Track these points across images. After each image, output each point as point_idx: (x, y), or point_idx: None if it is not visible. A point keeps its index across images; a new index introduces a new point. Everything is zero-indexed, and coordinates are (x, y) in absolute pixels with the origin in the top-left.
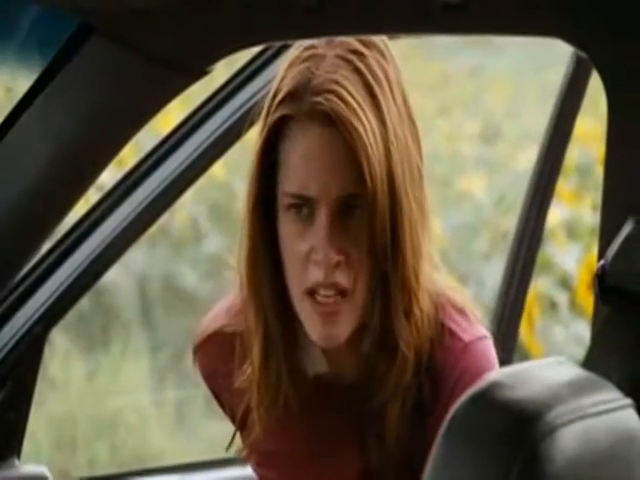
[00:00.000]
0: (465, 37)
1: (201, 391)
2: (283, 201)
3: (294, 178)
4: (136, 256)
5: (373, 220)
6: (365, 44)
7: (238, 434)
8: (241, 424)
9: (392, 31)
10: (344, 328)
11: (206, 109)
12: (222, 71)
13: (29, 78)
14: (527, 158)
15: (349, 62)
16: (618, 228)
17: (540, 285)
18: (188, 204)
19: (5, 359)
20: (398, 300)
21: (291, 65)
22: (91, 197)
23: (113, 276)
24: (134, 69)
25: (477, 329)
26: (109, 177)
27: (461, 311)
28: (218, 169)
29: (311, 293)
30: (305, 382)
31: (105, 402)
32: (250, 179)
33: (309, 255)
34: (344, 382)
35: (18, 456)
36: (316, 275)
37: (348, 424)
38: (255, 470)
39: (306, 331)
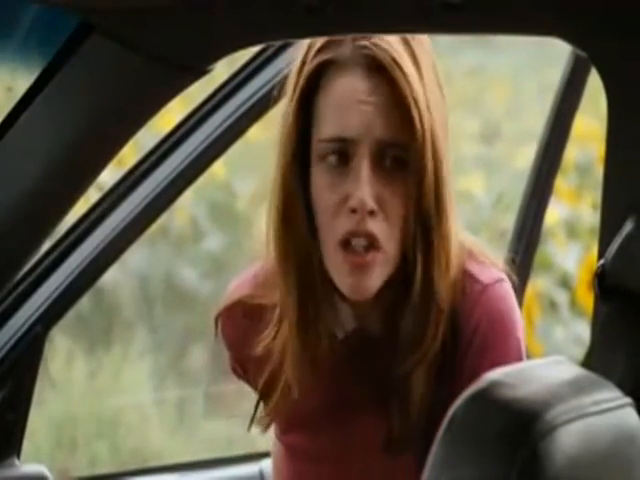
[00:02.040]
0: (464, 37)
1: (201, 390)
2: (318, 150)
3: (333, 121)
4: (136, 255)
5: (422, 173)
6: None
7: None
8: (264, 392)
9: (392, 30)
10: (375, 280)
11: (206, 108)
12: (222, 70)
13: (29, 77)
14: (526, 157)
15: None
16: (618, 227)
17: (540, 285)
18: (188, 203)
19: (5, 359)
20: (442, 256)
21: None
22: (91, 197)
23: (113, 275)
24: (134, 68)
25: (495, 272)
26: (109, 177)
27: (480, 257)
28: (218, 168)
29: (344, 244)
30: (334, 344)
31: (105, 401)
32: (285, 133)
33: (343, 203)
34: (372, 342)
35: (18, 456)
36: (350, 222)
37: (373, 389)
38: (279, 438)
39: (334, 289)
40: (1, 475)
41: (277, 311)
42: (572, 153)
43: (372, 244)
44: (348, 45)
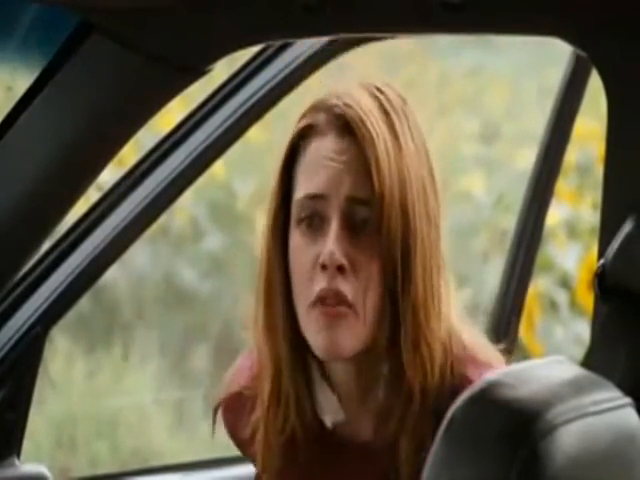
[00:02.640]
0: (464, 37)
1: (201, 391)
2: (295, 213)
3: (309, 180)
4: (136, 255)
5: (380, 231)
6: (387, 85)
7: None
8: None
9: (392, 31)
10: (346, 339)
11: (206, 108)
12: (222, 70)
13: (29, 77)
14: (526, 158)
15: (368, 89)
16: (618, 227)
17: (540, 285)
18: (188, 203)
19: (5, 359)
20: (408, 327)
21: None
22: (91, 197)
23: (113, 275)
24: (134, 68)
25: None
26: (109, 177)
27: (487, 366)
28: (218, 168)
29: (316, 302)
30: (322, 433)
31: (105, 402)
32: (270, 197)
33: (316, 262)
34: (360, 439)
35: (18, 455)
36: (321, 281)
37: (363, 466)
38: None
39: (322, 376)
40: (1, 475)
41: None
42: (572, 153)
43: (342, 301)
44: (323, 110)
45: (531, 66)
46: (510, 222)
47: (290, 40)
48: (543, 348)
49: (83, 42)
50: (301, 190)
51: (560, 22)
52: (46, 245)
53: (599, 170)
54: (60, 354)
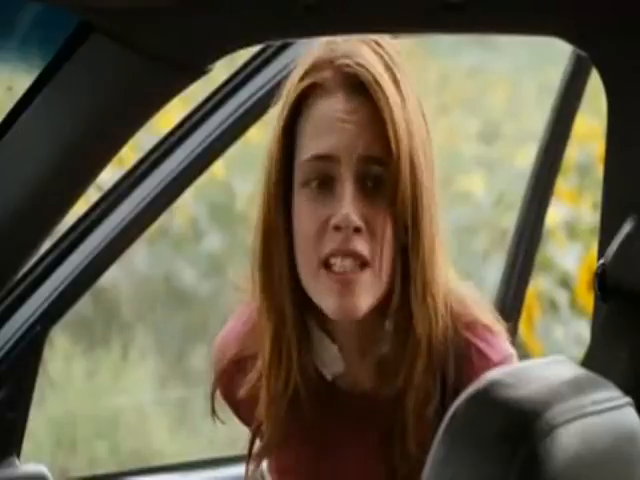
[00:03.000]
0: (465, 36)
1: (202, 390)
2: (300, 174)
3: (315, 141)
4: (136, 255)
5: (396, 189)
6: (382, 38)
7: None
8: (256, 434)
9: (392, 30)
10: (362, 300)
11: (206, 108)
12: (222, 70)
13: (29, 77)
14: (526, 157)
15: (369, 44)
16: (618, 227)
17: (540, 284)
18: (188, 203)
19: (5, 358)
20: (418, 280)
21: (311, 53)
22: (91, 197)
23: (113, 275)
24: (134, 68)
25: (504, 347)
26: (109, 177)
27: (488, 329)
28: (218, 168)
29: (327, 264)
30: (322, 387)
31: (105, 401)
32: (271, 160)
33: (325, 225)
34: (361, 387)
35: (18, 455)
36: (334, 241)
37: (368, 431)
38: (274, 476)
39: (321, 329)
40: (1, 475)
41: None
42: (572, 153)
43: (359, 264)
44: (330, 68)
45: (531, 66)
46: (510, 222)
47: (290, 40)
48: (543, 348)
49: (83, 42)
50: (308, 151)
51: (560, 22)
52: (46, 245)
53: (599, 170)
54: (59, 354)
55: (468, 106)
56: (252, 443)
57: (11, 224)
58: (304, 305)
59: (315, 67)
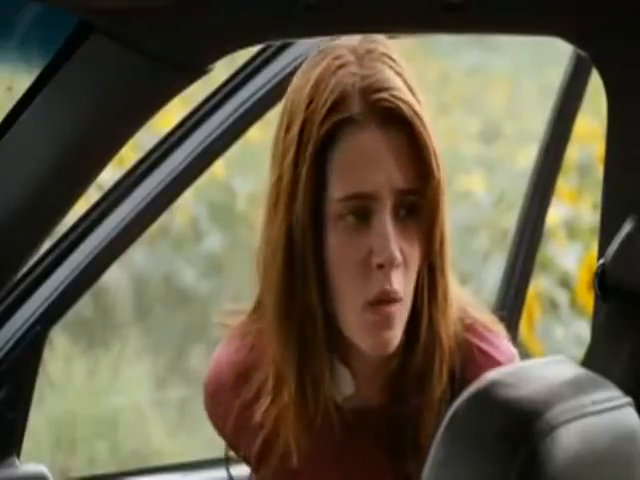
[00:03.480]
0: (464, 36)
1: (201, 390)
2: (335, 210)
3: (351, 177)
4: (136, 255)
5: (434, 219)
6: (387, 46)
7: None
8: (258, 461)
9: (392, 30)
10: (397, 332)
11: (206, 108)
12: (222, 70)
13: (29, 77)
14: (527, 157)
15: (385, 64)
16: (618, 227)
17: (540, 284)
18: (188, 203)
19: (5, 358)
20: (442, 304)
21: (324, 76)
22: (91, 196)
23: (113, 275)
24: (134, 68)
25: (507, 347)
26: (109, 177)
27: (488, 329)
28: (218, 168)
29: (374, 303)
30: (332, 407)
31: (105, 401)
32: (301, 197)
33: (367, 260)
34: (372, 407)
35: (18, 455)
36: (379, 282)
37: (381, 452)
38: None
39: (339, 359)
40: (1, 475)
41: (270, 379)
42: (573, 153)
43: (397, 298)
44: (362, 100)
45: (532, 65)
46: (511, 222)
47: (290, 40)
48: (543, 348)
49: (83, 42)
50: (343, 188)
51: (560, 22)
52: (46, 245)
53: (599, 170)
54: (59, 354)
55: (468, 106)
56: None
57: (11, 224)
58: (332, 340)
59: (345, 99)
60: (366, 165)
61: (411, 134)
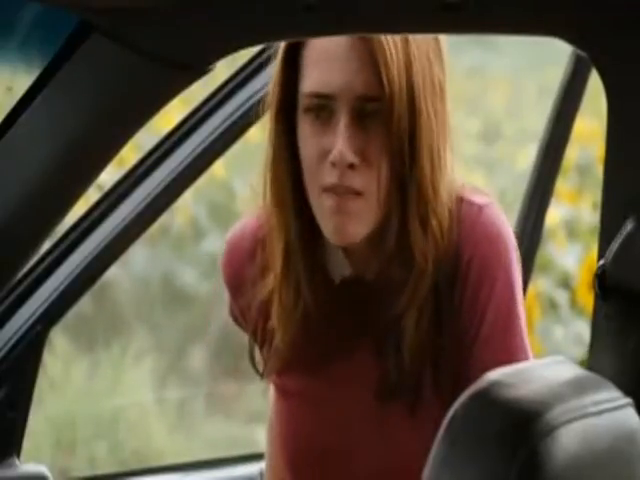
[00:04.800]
0: (464, 36)
1: (201, 390)
2: (303, 102)
3: (316, 76)
4: (136, 255)
5: (390, 124)
6: None
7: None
8: (262, 338)
9: (391, 30)
10: (358, 227)
11: (206, 108)
12: (222, 70)
13: (29, 77)
14: (527, 157)
15: None
16: (618, 227)
17: (540, 285)
18: (188, 203)
19: (5, 359)
20: (414, 208)
21: None
22: (91, 197)
23: (113, 275)
24: (134, 68)
25: (488, 197)
26: (109, 177)
27: (475, 190)
28: (218, 168)
29: (327, 190)
30: (331, 286)
31: (105, 402)
32: (273, 84)
33: (325, 155)
34: (366, 284)
35: (18, 455)
36: (332, 176)
37: (366, 330)
38: (275, 382)
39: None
40: (1, 475)
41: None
42: (573, 153)
43: (352, 193)
44: None
45: (531, 66)
46: (510, 222)
47: (290, 40)
48: (543, 348)
49: (83, 42)
50: (308, 84)
51: (560, 22)
52: (46, 245)
53: (599, 170)
54: (59, 354)
55: (468, 106)
56: (256, 352)
57: (11, 224)
58: (313, 220)
59: None
60: (328, 66)
61: (370, 42)
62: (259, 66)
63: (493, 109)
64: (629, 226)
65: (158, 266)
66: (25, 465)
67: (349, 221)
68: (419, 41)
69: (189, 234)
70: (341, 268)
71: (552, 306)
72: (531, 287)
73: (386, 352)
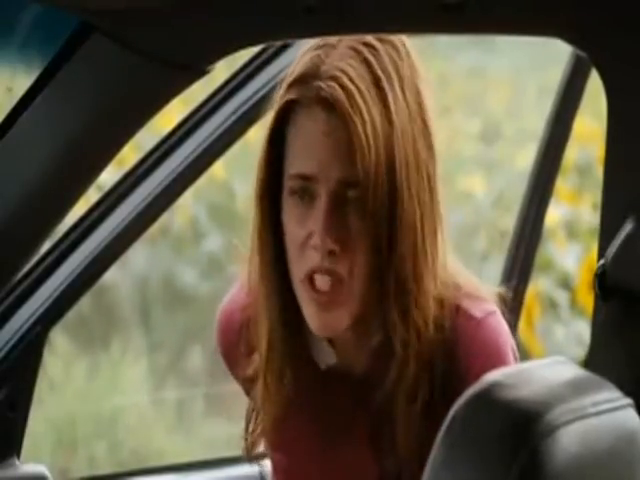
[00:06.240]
0: (464, 37)
1: (201, 390)
2: (287, 185)
3: (297, 160)
4: (136, 255)
5: (367, 210)
6: (380, 39)
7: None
8: (254, 410)
9: (392, 31)
10: (341, 317)
11: (206, 108)
12: (222, 70)
13: (29, 77)
14: (526, 158)
15: (359, 53)
16: (618, 227)
17: (540, 285)
18: (188, 203)
19: (5, 359)
20: (392, 298)
21: (304, 53)
22: (91, 197)
23: (113, 275)
24: (134, 68)
25: (487, 305)
26: (109, 177)
27: (470, 294)
28: (218, 169)
29: (309, 279)
30: (316, 374)
31: (105, 402)
32: (259, 165)
33: (308, 240)
34: (354, 374)
35: (18, 455)
36: (313, 260)
37: (359, 418)
38: (269, 454)
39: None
40: (1, 475)
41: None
42: (572, 153)
43: (336, 279)
44: (313, 84)
45: (531, 66)
46: (510, 222)
47: (290, 40)
48: (543, 348)
49: (83, 42)
50: (292, 166)
51: (560, 22)
52: (46, 245)
53: (599, 170)
54: (59, 354)
55: (468, 107)
56: (250, 419)
57: (11, 224)
58: (298, 306)
59: (299, 81)
60: (309, 149)
61: (347, 124)
62: (259, 66)
63: (493, 109)
64: (629, 226)
65: (158, 266)
66: (25, 465)
67: (332, 315)
68: (404, 122)
69: (189, 234)
70: (326, 357)
71: (552, 306)
72: (531, 287)
73: (381, 443)
